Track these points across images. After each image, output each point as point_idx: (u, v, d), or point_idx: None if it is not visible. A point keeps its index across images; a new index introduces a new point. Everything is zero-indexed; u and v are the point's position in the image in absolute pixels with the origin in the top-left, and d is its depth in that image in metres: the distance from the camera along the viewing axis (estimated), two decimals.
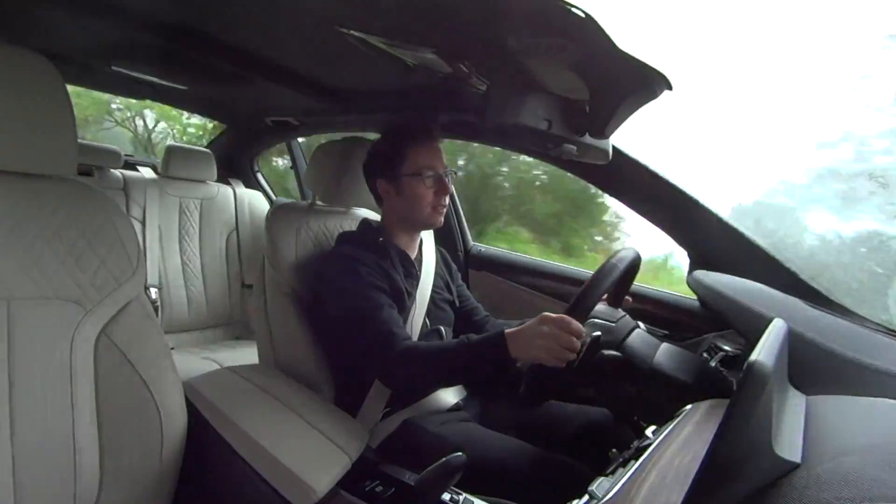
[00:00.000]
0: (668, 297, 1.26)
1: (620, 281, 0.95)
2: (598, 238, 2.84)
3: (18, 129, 0.65)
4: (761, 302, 0.85)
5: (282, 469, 0.70)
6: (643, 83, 0.71)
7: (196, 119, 4.78)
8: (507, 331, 0.80)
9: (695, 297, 1.16)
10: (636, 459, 0.57)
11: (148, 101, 2.25)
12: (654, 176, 1.13)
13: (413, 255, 1.09)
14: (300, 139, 2.22)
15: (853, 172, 1.41)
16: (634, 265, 0.94)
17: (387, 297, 0.96)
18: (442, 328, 1.09)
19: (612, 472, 0.60)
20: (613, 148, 1.05)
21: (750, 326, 0.80)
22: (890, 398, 0.64)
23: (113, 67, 1.41)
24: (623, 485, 0.52)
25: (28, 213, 0.68)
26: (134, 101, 4.10)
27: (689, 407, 0.69)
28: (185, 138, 5.15)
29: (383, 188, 1.06)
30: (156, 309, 1.74)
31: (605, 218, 2.80)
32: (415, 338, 1.01)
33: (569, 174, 1.31)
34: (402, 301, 1.01)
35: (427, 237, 1.17)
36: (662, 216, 1.14)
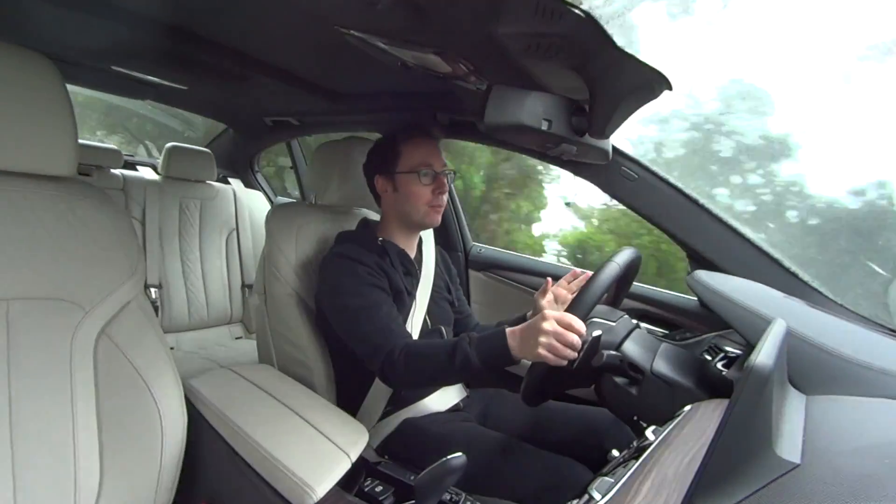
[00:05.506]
0: (668, 297, 1.26)
1: (620, 281, 0.95)
2: None
3: (18, 129, 0.65)
4: (761, 302, 0.85)
5: (282, 469, 0.70)
6: (643, 83, 0.71)
7: None
8: (508, 329, 0.80)
9: (695, 297, 1.16)
10: (636, 459, 0.57)
11: None
12: (654, 175, 1.13)
13: (412, 255, 1.09)
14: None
15: None
16: (634, 265, 0.94)
17: (386, 295, 0.96)
18: (443, 328, 1.09)
19: (612, 473, 0.60)
20: (613, 148, 1.05)
21: (750, 327, 0.80)
22: (890, 398, 0.64)
23: (113, 67, 1.41)
24: (623, 485, 0.52)
25: (28, 213, 0.68)
26: None
27: (688, 407, 0.69)
28: None
29: (381, 185, 1.06)
30: (156, 309, 1.74)
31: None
32: (415, 337, 1.01)
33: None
34: (402, 300, 1.01)
35: (427, 237, 1.17)
36: (663, 215, 1.14)
